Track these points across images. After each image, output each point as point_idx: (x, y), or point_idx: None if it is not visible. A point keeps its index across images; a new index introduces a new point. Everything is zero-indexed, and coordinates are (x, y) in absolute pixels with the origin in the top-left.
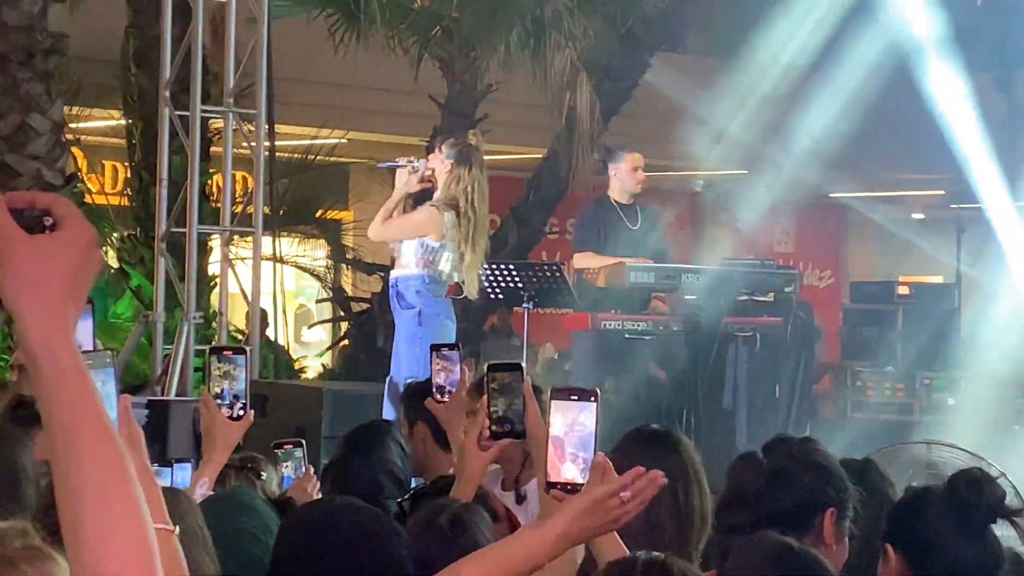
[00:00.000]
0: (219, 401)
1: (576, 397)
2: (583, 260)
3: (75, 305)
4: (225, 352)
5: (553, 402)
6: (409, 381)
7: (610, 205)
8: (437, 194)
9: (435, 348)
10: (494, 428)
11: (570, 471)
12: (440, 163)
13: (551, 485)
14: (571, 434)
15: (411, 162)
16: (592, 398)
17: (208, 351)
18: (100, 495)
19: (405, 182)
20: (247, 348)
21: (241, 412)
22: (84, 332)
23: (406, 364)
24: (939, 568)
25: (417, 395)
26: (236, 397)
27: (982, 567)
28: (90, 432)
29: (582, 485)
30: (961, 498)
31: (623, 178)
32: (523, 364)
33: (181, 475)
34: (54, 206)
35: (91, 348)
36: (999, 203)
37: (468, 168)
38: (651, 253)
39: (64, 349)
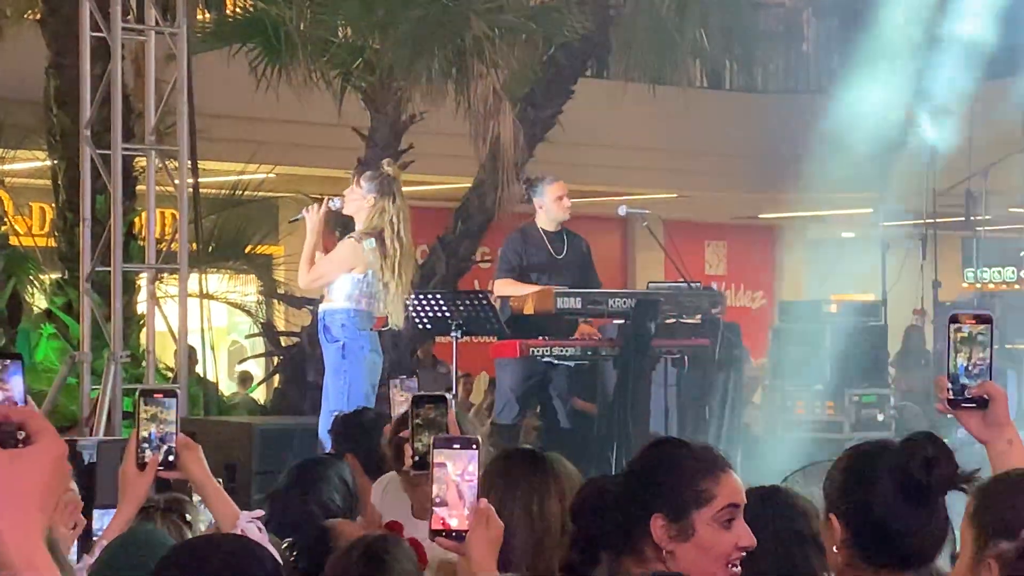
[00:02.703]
0: (145, 445)
1: (459, 446)
2: (504, 288)
3: (45, 514)
4: (154, 395)
5: (436, 451)
6: (336, 413)
7: (536, 234)
8: (359, 227)
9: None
10: (416, 459)
11: (455, 519)
12: (360, 197)
13: (436, 533)
14: (456, 482)
15: (328, 200)
16: (474, 446)
17: (137, 393)
18: None
19: (314, 222)
20: (177, 390)
21: (171, 458)
22: (16, 388)
23: (333, 397)
24: (887, 539)
25: (345, 427)
26: (163, 440)
27: (931, 536)
28: None
29: (466, 532)
30: (915, 478)
31: (548, 208)
32: (447, 396)
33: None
34: (28, 422)
35: (23, 403)
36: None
37: (392, 199)
38: (577, 280)
39: (40, 555)
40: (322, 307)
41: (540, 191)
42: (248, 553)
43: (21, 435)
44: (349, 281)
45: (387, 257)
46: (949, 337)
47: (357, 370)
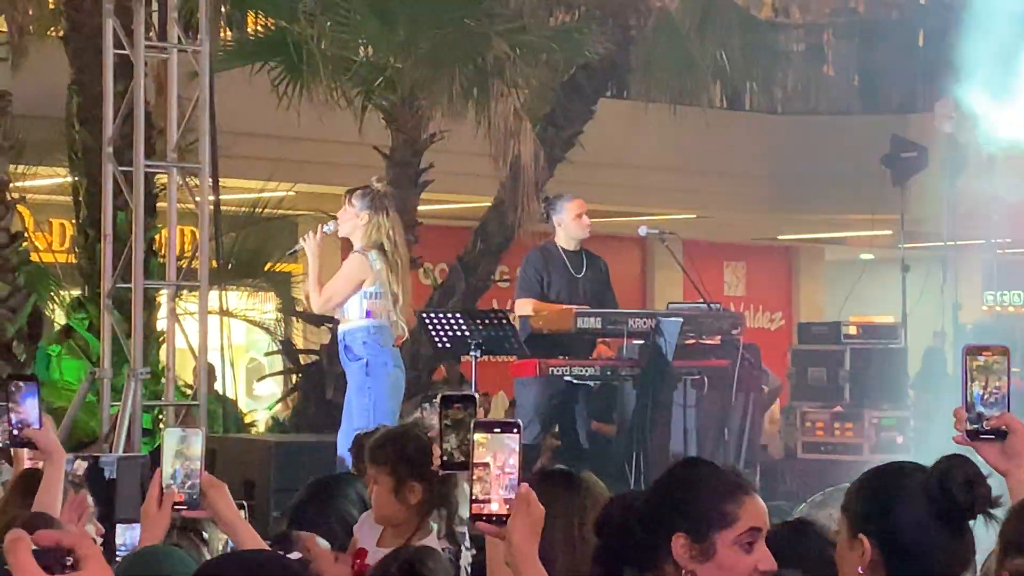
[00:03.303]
0: (171, 481)
1: (499, 430)
2: (524, 307)
3: None
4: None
5: (477, 435)
6: (358, 432)
7: (556, 252)
8: (357, 244)
9: (426, 400)
10: (444, 459)
11: (496, 504)
12: (353, 216)
13: (477, 518)
14: (496, 468)
15: (321, 226)
16: (515, 430)
17: (164, 431)
18: None
19: (313, 248)
20: (202, 430)
21: (194, 495)
22: (31, 410)
23: (357, 415)
24: (918, 561)
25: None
26: (188, 477)
27: (960, 558)
28: None
29: (508, 516)
30: (952, 498)
31: (568, 226)
32: (475, 396)
33: (130, 536)
34: (77, 547)
35: (38, 426)
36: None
37: (385, 213)
38: (596, 299)
39: None
40: (341, 328)
41: (559, 209)
42: (285, 569)
43: (69, 560)
44: (362, 296)
45: (392, 269)
46: (965, 366)
47: (381, 387)
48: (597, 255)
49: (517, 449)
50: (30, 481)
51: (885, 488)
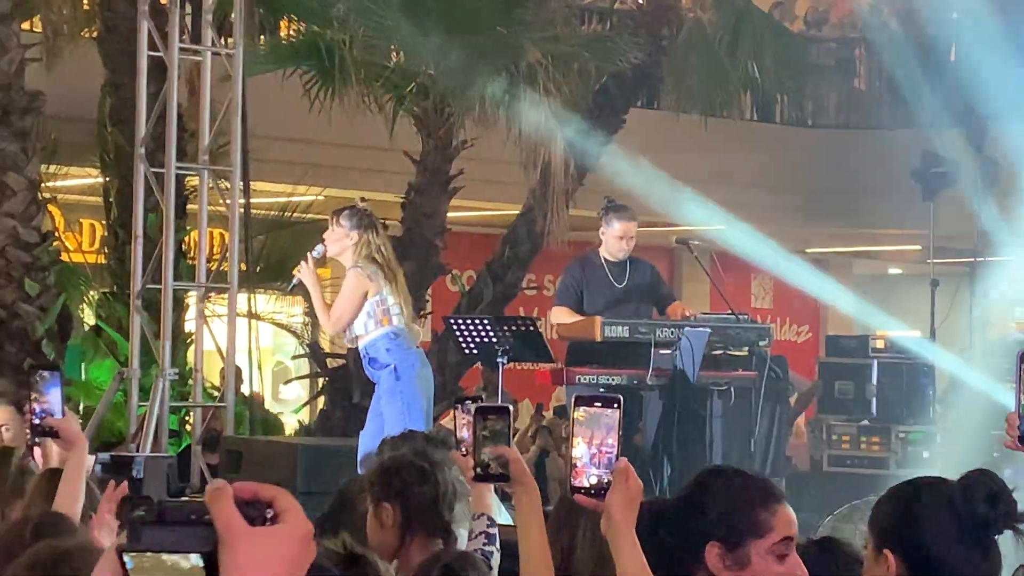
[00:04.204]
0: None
1: (600, 404)
2: (557, 316)
3: None
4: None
5: (578, 408)
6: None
7: (597, 262)
8: (349, 262)
9: (459, 401)
10: (479, 471)
11: (594, 476)
12: (342, 236)
13: (576, 490)
14: (595, 440)
15: (310, 254)
16: (615, 404)
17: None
18: None
19: (309, 276)
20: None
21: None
22: (55, 400)
23: (391, 421)
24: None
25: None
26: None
27: (986, 574)
28: None
29: (608, 486)
30: (978, 513)
31: (608, 243)
32: (509, 408)
33: None
34: (276, 499)
35: (61, 415)
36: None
37: (374, 231)
38: (640, 308)
39: None
40: (361, 345)
41: (610, 222)
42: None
43: (270, 513)
44: (370, 307)
45: (389, 281)
46: (1020, 374)
47: (412, 388)
48: (644, 262)
49: (615, 426)
50: (53, 480)
51: (909, 503)
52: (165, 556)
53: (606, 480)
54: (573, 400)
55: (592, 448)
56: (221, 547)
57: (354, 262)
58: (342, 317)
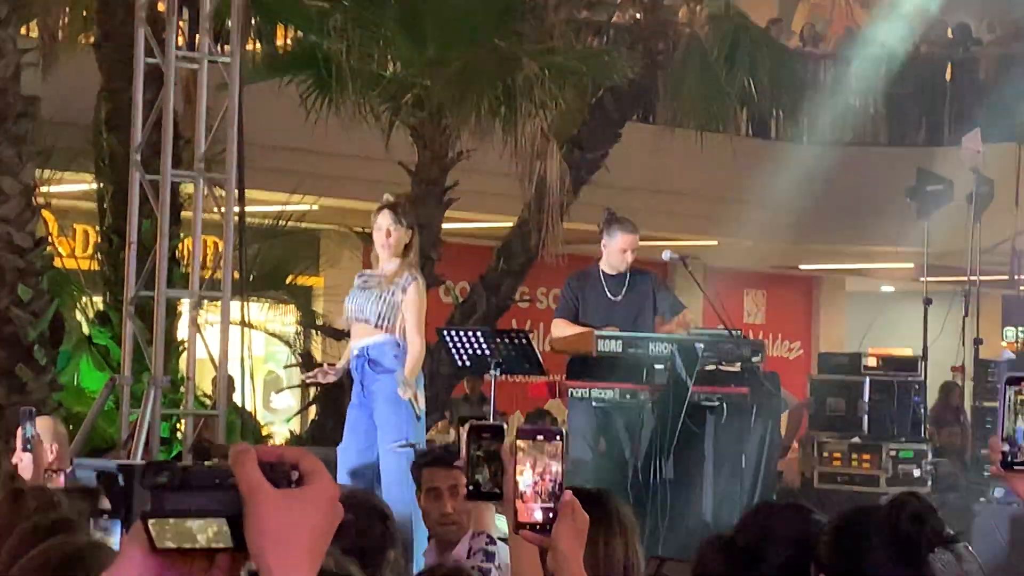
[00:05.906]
0: None
1: (542, 437)
2: (556, 328)
3: (315, 559)
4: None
5: (520, 442)
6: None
7: (595, 275)
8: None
9: (463, 421)
10: (471, 488)
11: (539, 511)
12: (404, 232)
13: (521, 526)
14: (538, 474)
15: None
16: (558, 437)
17: None
18: None
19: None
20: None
21: None
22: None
23: (393, 428)
24: None
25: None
26: None
27: None
28: None
29: (553, 520)
30: (903, 532)
31: (610, 255)
32: (503, 426)
33: None
34: (301, 461)
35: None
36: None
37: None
38: (638, 321)
39: None
40: (363, 342)
41: (612, 233)
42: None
43: (295, 475)
44: (392, 308)
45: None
46: (1006, 398)
47: (418, 391)
48: (645, 272)
49: (559, 456)
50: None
51: (845, 529)
52: (190, 522)
53: (551, 515)
54: (515, 433)
55: (535, 477)
56: (247, 511)
57: (411, 274)
58: (422, 335)
